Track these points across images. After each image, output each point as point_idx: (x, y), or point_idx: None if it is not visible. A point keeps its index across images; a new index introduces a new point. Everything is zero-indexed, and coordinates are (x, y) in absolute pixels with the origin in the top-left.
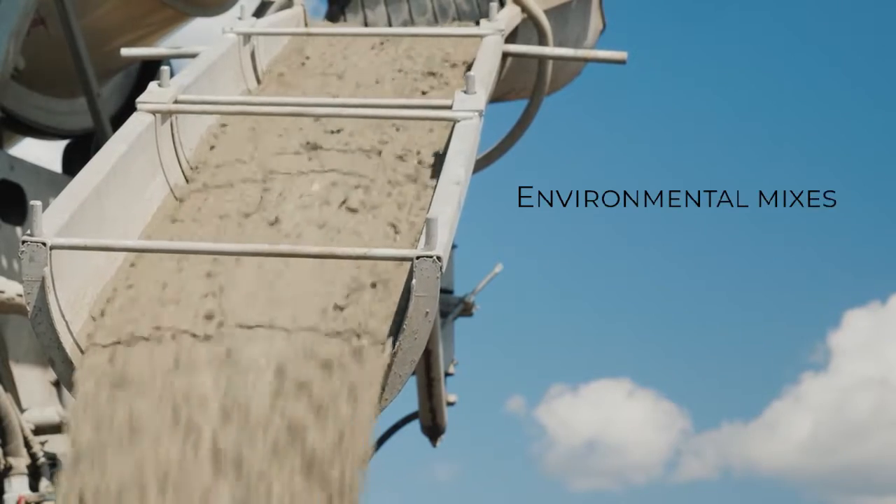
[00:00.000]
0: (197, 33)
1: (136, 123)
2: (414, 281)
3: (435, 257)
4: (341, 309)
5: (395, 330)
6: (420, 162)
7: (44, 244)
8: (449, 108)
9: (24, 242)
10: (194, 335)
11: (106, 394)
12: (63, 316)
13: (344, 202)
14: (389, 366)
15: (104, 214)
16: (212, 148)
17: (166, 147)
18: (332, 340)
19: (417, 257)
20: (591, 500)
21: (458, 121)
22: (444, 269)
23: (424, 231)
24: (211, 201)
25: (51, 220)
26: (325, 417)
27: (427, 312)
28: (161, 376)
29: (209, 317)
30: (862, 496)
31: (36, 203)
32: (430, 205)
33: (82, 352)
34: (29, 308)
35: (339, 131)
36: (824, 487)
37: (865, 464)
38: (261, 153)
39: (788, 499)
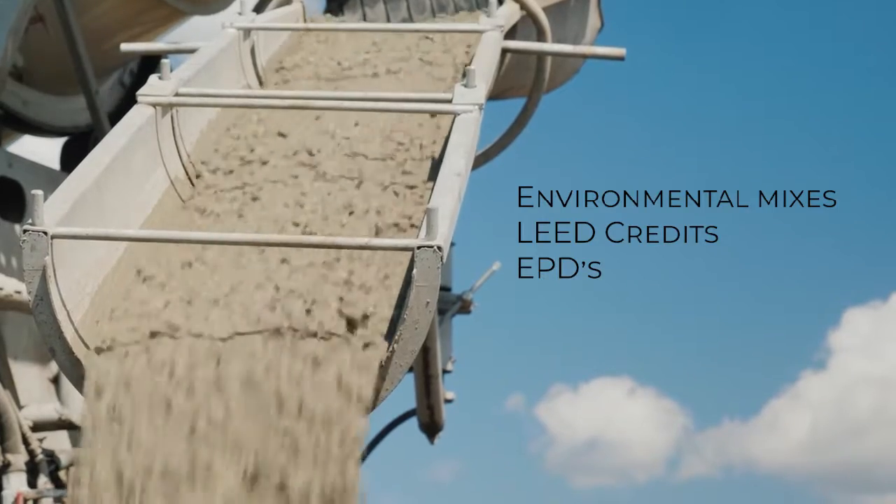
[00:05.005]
0: (195, 31)
1: (136, 116)
2: (415, 271)
3: (436, 247)
4: (342, 299)
5: (396, 320)
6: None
7: (45, 233)
8: (449, 101)
9: (25, 232)
10: (196, 331)
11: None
12: (64, 305)
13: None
14: (389, 356)
15: (105, 206)
16: (216, 144)
17: (167, 140)
18: (333, 331)
19: (418, 247)
20: (594, 498)
21: (459, 114)
22: (444, 260)
23: (425, 221)
24: (215, 194)
25: (52, 210)
26: (324, 409)
27: (428, 302)
28: (167, 373)
29: (209, 308)
30: (862, 494)
31: (37, 192)
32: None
33: (84, 343)
34: (30, 297)
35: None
36: (825, 485)
37: (865, 462)
38: (265, 146)
39: (789, 496)
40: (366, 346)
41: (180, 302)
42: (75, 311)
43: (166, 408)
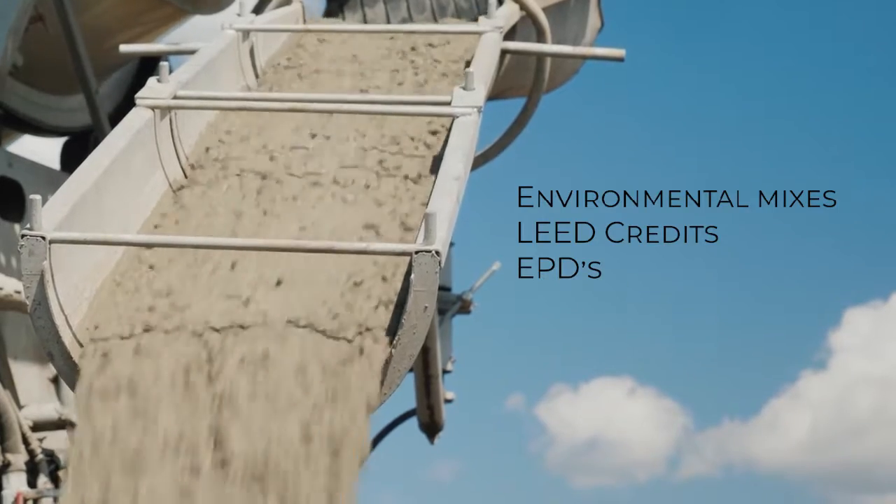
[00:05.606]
0: (195, 31)
1: (135, 119)
2: (413, 276)
3: (434, 252)
4: (341, 304)
5: (394, 324)
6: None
7: (43, 238)
8: (448, 104)
9: (23, 236)
10: (195, 332)
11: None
12: (62, 310)
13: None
14: (388, 360)
15: (103, 209)
16: (211, 145)
17: (165, 142)
18: (331, 336)
19: (416, 252)
20: (594, 498)
21: (457, 116)
22: (443, 264)
23: (423, 226)
24: (211, 196)
25: (50, 214)
26: (324, 412)
27: (426, 307)
28: (167, 374)
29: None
30: (862, 494)
31: (36, 197)
32: (428, 200)
33: (81, 346)
34: (28, 302)
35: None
36: (825, 485)
37: (865, 462)
38: (262, 147)
39: (789, 496)
40: (366, 350)
41: (178, 301)
42: (73, 315)
43: (164, 405)
